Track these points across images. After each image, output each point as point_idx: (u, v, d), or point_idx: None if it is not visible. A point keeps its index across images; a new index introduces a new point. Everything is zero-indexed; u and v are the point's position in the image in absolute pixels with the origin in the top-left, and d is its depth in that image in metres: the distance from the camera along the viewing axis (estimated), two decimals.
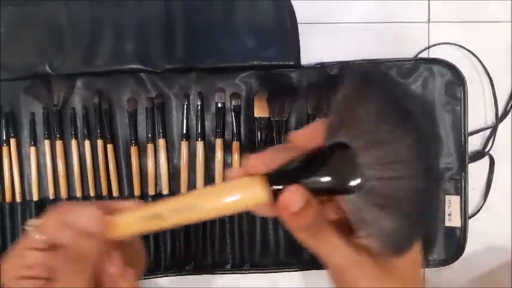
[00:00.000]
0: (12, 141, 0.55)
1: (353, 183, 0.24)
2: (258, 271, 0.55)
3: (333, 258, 0.26)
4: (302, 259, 0.55)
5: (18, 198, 0.55)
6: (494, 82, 0.57)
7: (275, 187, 0.25)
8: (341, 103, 0.25)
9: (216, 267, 0.55)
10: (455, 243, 0.55)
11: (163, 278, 0.56)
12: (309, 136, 0.27)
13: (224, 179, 0.55)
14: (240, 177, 0.26)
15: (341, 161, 0.25)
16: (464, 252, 0.55)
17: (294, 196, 0.24)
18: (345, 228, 0.26)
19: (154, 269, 0.55)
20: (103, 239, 0.27)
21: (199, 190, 0.28)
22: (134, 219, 0.27)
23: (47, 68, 0.54)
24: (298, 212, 0.24)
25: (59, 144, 0.55)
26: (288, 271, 0.56)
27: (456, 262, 0.56)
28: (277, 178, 0.25)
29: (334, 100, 0.25)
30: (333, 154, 0.25)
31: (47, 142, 0.55)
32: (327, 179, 0.25)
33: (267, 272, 0.55)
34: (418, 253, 0.28)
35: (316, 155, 0.25)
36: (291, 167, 0.26)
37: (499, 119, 0.57)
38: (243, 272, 0.56)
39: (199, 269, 0.55)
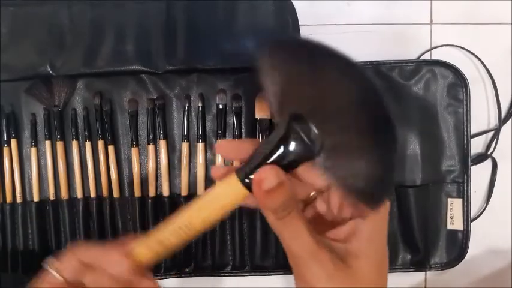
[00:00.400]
0: (13, 141, 0.55)
1: (315, 146, 0.26)
2: (258, 273, 0.55)
3: (293, 244, 0.26)
4: None
5: (18, 199, 0.55)
6: (497, 84, 0.56)
7: (251, 177, 0.27)
8: (280, 76, 0.27)
9: (216, 269, 0.55)
10: (457, 247, 0.55)
11: (164, 279, 0.55)
12: (235, 150, 0.30)
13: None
14: (221, 176, 0.28)
15: (298, 130, 0.26)
16: (466, 255, 0.55)
17: (267, 174, 0.26)
18: (319, 226, 0.28)
19: (154, 271, 0.55)
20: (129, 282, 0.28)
21: (187, 210, 0.29)
22: (143, 250, 0.29)
23: (48, 69, 0.54)
24: (270, 191, 0.25)
25: (59, 145, 0.55)
26: (289, 273, 0.55)
27: (458, 265, 0.55)
28: (250, 169, 0.27)
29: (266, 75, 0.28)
30: (289, 126, 0.26)
31: (47, 143, 0.55)
32: (290, 149, 0.26)
33: (268, 275, 0.55)
34: (385, 255, 0.28)
35: (275, 134, 0.27)
36: (257, 154, 0.27)
37: (502, 121, 0.56)
38: (243, 274, 0.55)
39: (200, 270, 0.55)
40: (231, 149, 0.31)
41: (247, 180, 0.27)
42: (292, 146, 0.26)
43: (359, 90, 0.26)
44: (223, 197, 0.28)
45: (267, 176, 0.25)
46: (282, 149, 0.26)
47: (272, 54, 0.27)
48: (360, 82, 0.26)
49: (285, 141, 0.26)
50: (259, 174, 0.26)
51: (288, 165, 0.27)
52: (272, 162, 0.26)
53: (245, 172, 0.27)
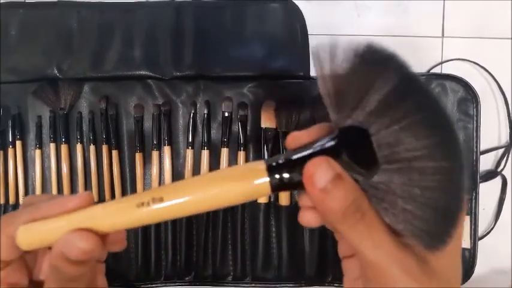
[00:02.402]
0: (18, 143, 0.55)
1: (369, 166, 0.21)
2: (259, 285, 0.54)
3: (373, 254, 0.21)
4: (305, 274, 0.54)
5: (21, 201, 0.55)
6: (508, 100, 0.55)
7: (284, 176, 0.22)
8: (352, 81, 0.22)
9: (216, 278, 0.55)
10: (464, 265, 0.53)
11: (164, 287, 0.55)
12: (309, 137, 0.24)
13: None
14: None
15: (355, 143, 0.22)
16: (473, 274, 0.54)
17: (318, 167, 0.21)
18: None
19: (154, 278, 0.54)
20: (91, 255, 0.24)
21: (201, 177, 0.25)
22: (114, 212, 0.24)
23: (55, 72, 0.54)
24: (328, 188, 0.21)
25: (64, 148, 0.55)
26: (291, 286, 0.54)
27: (464, 284, 0.54)
28: (284, 160, 0.22)
29: (340, 75, 0.22)
30: (345, 135, 0.22)
31: (52, 145, 0.55)
32: (344, 158, 0.21)
33: (269, 286, 0.54)
34: (458, 251, 0.24)
35: (326, 137, 0.23)
36: (297, 152, 0.23)
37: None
38: (244, 285, 0.54)
39: (200, 279, 0.55)
40: (306, 138, 0.24)
41: (276, 176, 0.22)
42: (347, 151, 0.22)
43: (446, 136, 0.21)
44: (232, 182, 0.23)
45: (318, 168, 0.21)
46: (333, 143, 0.22)
47: (365, 58, 0.22)
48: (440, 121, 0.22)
49: (340, 139, 0.22)
50: (308, 169, 0.21)
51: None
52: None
53: (277, 162, 0.22)
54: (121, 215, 0.24)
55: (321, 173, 0.21)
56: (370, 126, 0.21)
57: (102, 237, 0.24)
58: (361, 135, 0.21)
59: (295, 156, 0.23)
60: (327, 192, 0.21)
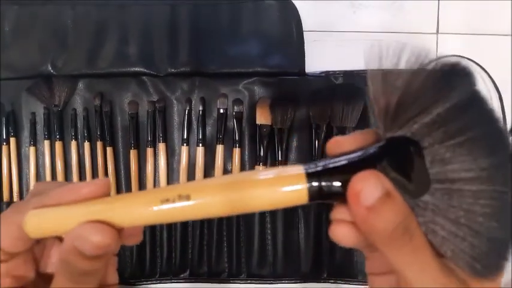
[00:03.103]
0: (12, 140, 0.55)
1: (418, 183, 0.19)
2: (254, 282, 0.54)
3: (420, 280, 0.19)
4: (300, 271, 0.54)
5: (15, 198, 0.55)
6: (503, 97, 0.55)
7: (323, 184, 0.20)
8: (413, 90, 0.20)
9: (212, 275, 0.54)
10: None
11: (159, 284, 0.55)
12: (354, 144, 0.22)
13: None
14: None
15: (404, 157, 0.20)
16: None
17: (366, 182, 0.19)
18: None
19: (149, 275, 0.54)
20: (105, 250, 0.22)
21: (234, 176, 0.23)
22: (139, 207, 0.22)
23: (50, 68, 0.54)
24: (375, 207, 0.18)
25: (58, 145, 0.54)
26: (286, 283, 0.54)
27: None
28: (325, 167, 0.20)
29: (402, 81, 0.20)
30: (393, 146, 0.20)
31: (46, 142, 0.54)
32: (392, 174, 0.19)
33: (264, 283, 0.54)
34: (500, 278, 0.22)
35: (372, 148, 0.20)
36: (343, 159, 0.20)
37: (508, 133, 0.55)
38: (239, 281, 0.54)
39: (195, 276, 0.54)
40: (350, 145, 0.22)
41: (314, 184, 0.20)
42: (395, 162, 0.19)
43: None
44: (267, 188, 0.20)
45: (366, 184, 0.19)
46: (380, 153, 0.20)
47: (435, 70, 0.21)
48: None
49: (387, 150, 0.20)
50: (354, 184, 0.19)
51: None
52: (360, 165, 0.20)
53: (316, 169, 0.20)
54: (143, 210, 0.21)
55: (369, 190, 0.19)
56: (422, 139, 0.19)
57: (118, 230, 0.22)
58: (411, 148, 0.20)
59: (337, 164, 0.20)
60: (374, 211, 0.18)
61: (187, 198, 0.21)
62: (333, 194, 0.20)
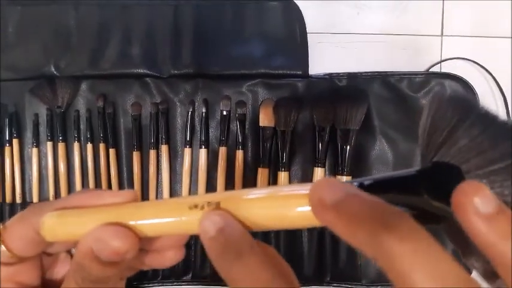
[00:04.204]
0: (15, 141, 0.55)
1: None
2: None
3: None
4: (303, 274, 0.54)
5: (18, 199, 0.55)
6: (507, 99, 0.55)
7: None
8: (438, 120, 0.20)
9: (215, 279, 0.54)
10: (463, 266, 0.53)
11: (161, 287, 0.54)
12: None
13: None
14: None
15: (446, 184, 0.19)
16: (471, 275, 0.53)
17: (479, 190, 0.17)
18: None
19: (151, 278, 0.54)
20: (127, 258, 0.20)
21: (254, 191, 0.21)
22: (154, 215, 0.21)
23: (53, 69, 0.54)
24: (492, 217, 0.17)
25: (61, 146, 0.54)
26: None
27: None
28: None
29: (426, 116, 0.21)
30: (432, 174, 0.19)
31: (49, 144, 0.54)
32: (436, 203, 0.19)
33: None
34: None
35: (412, 174, 0.20)
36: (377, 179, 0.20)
37: None
38: None
39: (198, 279, 0.54)
40: None
41: None
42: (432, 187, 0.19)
43: None
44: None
45: (481, 192, 0.17)
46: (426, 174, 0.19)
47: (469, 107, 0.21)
48: None
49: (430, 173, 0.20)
50: (467, 189, 0.17)
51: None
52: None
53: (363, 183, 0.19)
54: (168, 216, 0.20)
55: (485, 199, 0.17)
56: (462, 164, 0.19)
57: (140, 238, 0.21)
58: (453, 172, 0.19)
59: (381, 180, 0.20)
60: (492, 220, 0.17)
61: (217, 206, 0.20)
62: None
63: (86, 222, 0.21)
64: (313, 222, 0.19)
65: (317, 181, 0.18)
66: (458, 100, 0.21)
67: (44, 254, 0.24)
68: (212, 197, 0.20)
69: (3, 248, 0.22)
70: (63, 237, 0.21)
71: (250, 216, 0.20)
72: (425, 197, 0.19)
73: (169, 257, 0.23)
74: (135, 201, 0.21)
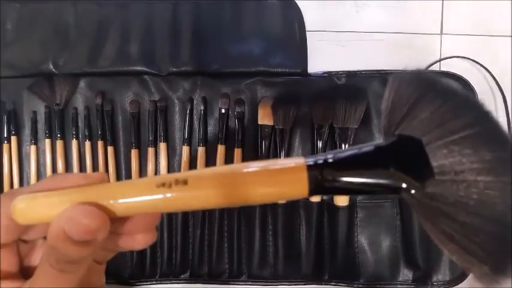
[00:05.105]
0: (13, 139, 0.54)
1: (424, 178, 0.20)
2: (255, 283, 0.54)
3: None
4: (301, 273, 0.53)
5: None
6: (507, 97, 0.55)
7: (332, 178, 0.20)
8: (398, 97, 0.21)
9: (212, 276, 0.54)
10: None
11: (159, 284, 0.54)
12: None
13: None
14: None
15: (408, 155, 0.20)
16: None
17: None
18: None
19: (149, 276, 0.54)
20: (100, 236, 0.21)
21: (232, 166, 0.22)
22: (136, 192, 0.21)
23: (51, 67, 0.54)
24: None
25: (59, 143, 0.54)
26: (287, 285, 0.54)
27: (461, 283, 0.53)
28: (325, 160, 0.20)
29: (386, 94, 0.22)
30: (395, 147, 0.21)
31: (47, 141, 0.54)
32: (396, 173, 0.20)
33: (265, 285, 0.54)
34: None
35: (377, 147, 0.21)
36: (346, 154, 0.21)
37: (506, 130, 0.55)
38: (240, 283, 0.54)
39: (196, 277, 0.54)
40: None
41: (319, 177, 0.20)
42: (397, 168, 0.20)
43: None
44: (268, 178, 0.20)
45: None
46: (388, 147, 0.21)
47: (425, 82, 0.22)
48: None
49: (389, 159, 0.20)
50: None
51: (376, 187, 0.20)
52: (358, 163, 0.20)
53: (316, 162, 0.20)
54: (137, 194, 0.20)
55: None
56: (423, 136, 0.20)
57: (111, 218, 0.21)
58: (414, 144, 0.20)
59: (344, 156, 0.21)
60: None
61: (185, 183, 0.20)
62: (336, 187, 0.20)
63: (56, 203, 0.21)
64: (281, 196, 0.20)
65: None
66: (419, 78, 0.22)
67: (21, 242, 0.24)
68: (180, 175, 0.20)
69: None
70: (34, 220, 0.22)
71: (219, 193, 0.20)
72: (389, 168, 0.20)
73: (140, 239, 0.23)
74: (103, 182, 0.22)
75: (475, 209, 0.19)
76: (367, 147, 0.21)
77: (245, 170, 0.20)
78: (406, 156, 0.20)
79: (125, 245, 0.24)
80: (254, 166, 0.21)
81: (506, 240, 0.19)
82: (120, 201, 0.21)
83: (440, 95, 0.21)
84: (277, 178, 0.20)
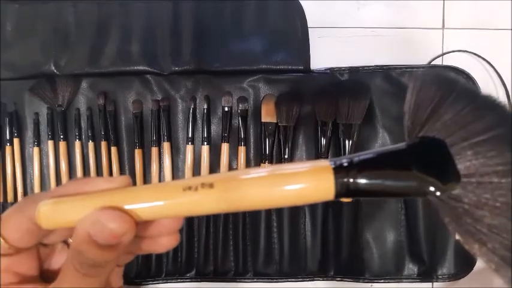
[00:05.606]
0: (16, 141, 0.54)
1: (450, 181, 0.20)
2: (261, 280, 0.54)
3: None
4: (307, 269, 0.54)
5: (20, 199, 0.54)
6: (509, 91, 0.55)
7: (356, 181, 0.20)
8: (422, 98, 0.22)
9: (218, 275, 0.54)
10: (465, 258, 0.53)
11: (165, 283, 0.54)
12: None
13: None
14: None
15: (433, 157, 0.20)
16: (475, 266, 0.54)
17: None
18: None
19: (155, 275, 0.54)
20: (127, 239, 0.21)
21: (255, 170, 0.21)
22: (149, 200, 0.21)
23: (52, 68, 0.54)
24: None
25: (62, 145, 0.54)
26: (292, 281, 0.54)
27: (466, 276, 0.54)
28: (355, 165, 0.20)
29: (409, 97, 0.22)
30: (419, 148, 0.20)
31: (50, 143, 0.54)
32: (424, 177, 0.20)
33: (270, 282, 0.54)
34: None
35: (401, 150, 0.21)
36: (371, 156, 0.21)
37: None
38: (245, 280, 0.54)
39: (201, 276, 0.54)
40: None
41: (345, 180, 0.20)
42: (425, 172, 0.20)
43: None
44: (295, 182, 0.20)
45: None
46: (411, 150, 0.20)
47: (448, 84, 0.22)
48: None
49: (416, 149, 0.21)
50: None
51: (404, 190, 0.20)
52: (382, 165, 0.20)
53: (347, 165, 0.20)
54: (163, 198, 0.20)
55: None
56: (447, 138, 0.20)
57: (137, 222, 0.21)
58: (439, 146, 0.20)
59: (368, 157, 0.21)
60: None
61: (211, 186, 0.20)
62: (361, 190, 0.20)
63: (81, 207, 0.21)
64: (308, 199, 0.20)
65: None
66: (441, 79, 0.22)
67: (41, 245, 0.24)
68: (206, 178, 0.20)
69: (0, 239, 0.22)
70: (58, 224, 0.21)
71: (246, 196, 0.20)
72: (414, 170, 0.20)
73: (164, 243, 0.23)
74: (128, 186, 0.22)
75: (502, 211, 0.19)
76: (392, 148, 0.21)
77: (271, 173, 0.20)
78: (431, 158, 0.20)
79: (148, 248, 0.24)
80: (279, 168, 0.20)
81: None
82: (146, 205, 0.20)
83: (462, 96, 0.21)
84: (304, 180, 0.20)
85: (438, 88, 0.21)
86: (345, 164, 0.20)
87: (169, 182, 0.22)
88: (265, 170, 0.21)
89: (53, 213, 0.21)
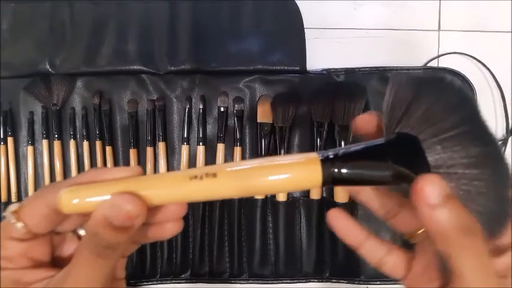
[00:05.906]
0: (10, 140, 0.54)
1: (421, 171, 0.22)
2: (256, 282, 0.54)
3: (480, 281, 0.21)
4: (302, 271, 0.53)
5: (13, 198, 0.54)
6: (505, 93, 0.55)
7: (342, 171, 0.22)
8: (398, 98, 0.24)
9: (213, 276, 0.54)
10: None
11: (159, 285, 0.54)
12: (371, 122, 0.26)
13: None
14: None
15: (407, 150, 0.23)
16: None
17: (431, 182, 0.21)
18: None
19: (149, 276, 0.54)
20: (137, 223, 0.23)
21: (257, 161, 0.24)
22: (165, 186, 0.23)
23: (48, 67, 0.53)
24: (440, 205, 0.20)
25: (57, 144, 0.54)
26: (287, 283, 0.54)
27: None
28: (342, 157, 0.23)
29: (387, 94, 0.24)
30: (395, 143, 0.23)
31: (45, 142, 0.54)
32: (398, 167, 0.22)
33: (266, 283, 0.54)
34: None
35: (379, 143, 0.23)
36: (352, 149, 0.23)
37: (510, 131, 0.55)
38: (240, 282, 0.54)
39: (196, 277, 0.54)
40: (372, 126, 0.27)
41: (331, 170, 0.23)
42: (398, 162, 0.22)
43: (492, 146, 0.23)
44: (285, 171, 0.23)
45: (432, 183, 0.20)
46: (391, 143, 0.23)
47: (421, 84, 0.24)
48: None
49: (393, 155, 0.23)
50: (421, 181, 0.21)
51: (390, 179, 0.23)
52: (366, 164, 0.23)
53: (332, 157, 0.23)
54: (173, 186, 0.23)
55: (434, 189, 0.21)
56: (420, 134, 0.23)
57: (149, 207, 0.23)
58: (412, 141, 0.23)
59: (351, 151, 0.23)
60: (438, 208, 0.21)
61: (214, 176, 0.23)
62: (344, 178, 0.23)
63: (99, 193, 0.23)
64: (300, 185, 0.23)
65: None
66: (415, 77, 0.25)
67: (54, 233, 0.26)
68: (210, 168, 0.23)
69: (19, 224, 0.24)
70: (79, 209, 0.24)
71: (247, 183, 0.23)
72: (390, 162, 0.23)
73: (169, 228, 0.26)
74: (140, 175, 0.24)
75: (464, 197, 0.22)
76: (372, 143, 0.24)
77: (270, 163, 0.23)
78: (405, 151, 0.23)
79: (154, 234, 0.26)
80: (274, 160, 0.23)
81: (494, 221, 0.22)
82: (157, 191, 0.23)
83: (433, 94, 0.23)
84: (297, 169, 0.23)
85: (412, 87, 0.24)
86: (331, 156, 0.23)
87: (177, 172, 0.24)
88: (263, 160, 0.23)
89: (74, 199, 0.23)
